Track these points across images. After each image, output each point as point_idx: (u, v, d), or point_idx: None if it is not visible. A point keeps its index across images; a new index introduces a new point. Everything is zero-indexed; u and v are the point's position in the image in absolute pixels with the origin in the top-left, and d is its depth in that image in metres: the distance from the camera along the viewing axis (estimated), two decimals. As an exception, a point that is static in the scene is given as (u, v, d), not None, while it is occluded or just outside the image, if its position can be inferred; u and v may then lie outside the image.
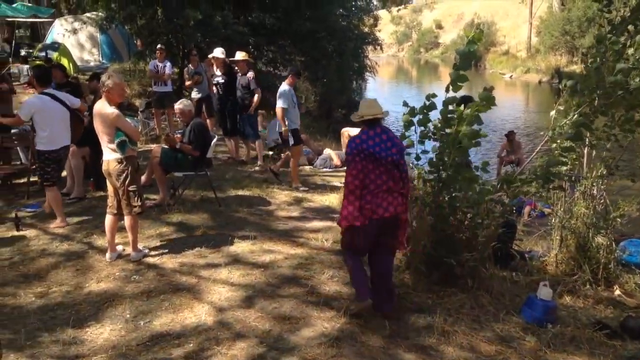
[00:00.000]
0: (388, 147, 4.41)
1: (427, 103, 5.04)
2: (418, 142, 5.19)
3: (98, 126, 5.30)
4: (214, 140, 7.40)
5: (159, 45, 11.56)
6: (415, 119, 5.12)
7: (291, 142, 8.33)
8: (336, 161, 10.21)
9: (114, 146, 5.26)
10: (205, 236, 6.18)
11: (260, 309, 4.52)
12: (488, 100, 4.83)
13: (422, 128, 5.12)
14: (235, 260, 5.48)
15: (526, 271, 5.38)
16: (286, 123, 8.20)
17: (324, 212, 7.09)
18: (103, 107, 5.26)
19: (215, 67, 9.65)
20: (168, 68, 11.27)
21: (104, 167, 5.42)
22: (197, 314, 4.46)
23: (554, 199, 5.76)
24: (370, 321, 4.34)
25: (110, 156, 5.33)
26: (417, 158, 5.47)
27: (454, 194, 5.06)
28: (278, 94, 8.23)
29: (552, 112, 5.28)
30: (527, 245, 6.20)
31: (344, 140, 11.17)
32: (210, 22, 14.10)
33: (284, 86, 8.22)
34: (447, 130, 5.02)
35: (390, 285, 4.59)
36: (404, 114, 5.20)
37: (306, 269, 5.29)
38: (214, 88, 9.74)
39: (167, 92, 11.45)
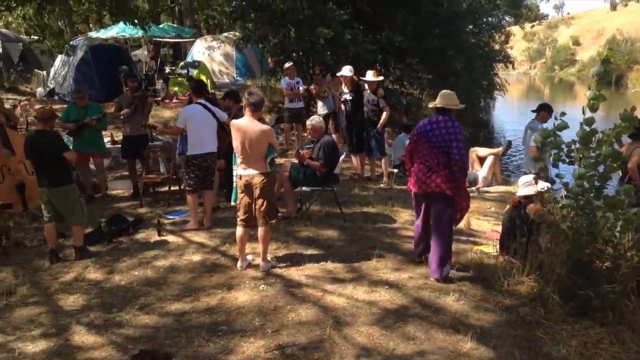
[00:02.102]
0: (442, 134, 5.23)
1: (557, 122, 4.84)
2: (552, 166, 4.99)
3: (249, 142, 5.49)
4: (342, 156, 7.52)
5: (289, 64, 11.91)
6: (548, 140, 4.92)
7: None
8: (463, 181, 9.96)
9: (262, 162, 5.52)
10: (330, 251, 6.28)
11: (385, 327, 4.51)
12: (630, 120, 4.55)
13: (555, 151, 4.92)
14: (360, 277, 5.52)
15: (675, 308, 4.92)
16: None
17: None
18: (254, 123, 5.55)
19: (343, 85, 9.84)
20: (300, 85, 11.69)
21: (245, 181, 5.62)
22: (322, 327, 4.53)
23: None
24: (499, 348, 4.18)
25: (255, 170, 5.58)
26: (552, 182, 5.26)
27: (593, 221, 4.77)
28: (532, 131, 7.57)
29: None
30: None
31: (472, 160, 10.90)
32: (340, 40, 14.39)
33: (536, 123, 7.68)
34: (586, 153, 4.78)
35: (441, 254, 5.33)
36: (535, 136, 5.02)
37: (431, 289, 5.19)
38: (342, 105, 9.92)
39: (301, 109, 11.84)
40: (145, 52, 23.23)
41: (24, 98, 15.66)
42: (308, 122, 7.62)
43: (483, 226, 7.44)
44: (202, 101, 7.18)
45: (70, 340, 4.45)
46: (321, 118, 7.98)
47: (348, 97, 9.59)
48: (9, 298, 5.27)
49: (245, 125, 5.55)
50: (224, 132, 7.49)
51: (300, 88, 11.64)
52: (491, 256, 6.01)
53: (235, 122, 5.69)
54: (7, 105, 11.54)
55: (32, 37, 18.31)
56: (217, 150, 7.28)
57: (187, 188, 7.14)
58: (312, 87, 11.39)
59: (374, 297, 5.07)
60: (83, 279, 5.74)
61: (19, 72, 18.80)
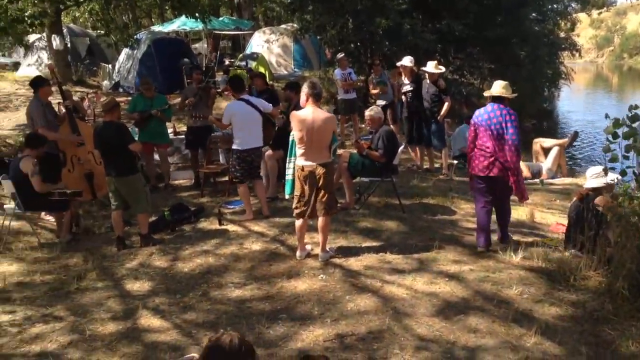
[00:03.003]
0: (499, 122, 5.67)
1: (630, 114, 4.61)
2: (622, 157, 4.79)
3: (317, 131, 5.48)
4: (401, 147, 7.45)
5: (341, 55, 11.98)
6: (620, 131, 4.71)
7: None
8: (526, 173, 9.69)
9: (327, 151, 5.56)
10: (389, 241, 6.24)
11: (445, 319, 4.45)
12: None
13: (628, 141, 4.71)
14: (420, 268, 5.46)
15: None
16: None
17: (512, 225, 6.73)
18: (320, 111, 5.58)
19: (403, 76, 9.72)
20: (353, 75, 11.69)
21: (307, 171, 5.56)
22: (381, 318, 4.51)
23: None
24: (565, 344, 4.06)
25: (320, 160, 5.57)
26: (623, 173, 5.07)
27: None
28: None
29: None
30: None
31: (536, 151, 10.61)
32: (398, 30, 14.22)
33: None
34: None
35: (504, 224, 6.07)
36: (607, 126, 4.81)
37: (493, 282, 5.09)
38: (402, 96, 9.81)
39: (354, 99, 11.85)
40: (205, 45, 23.65)
41: (91, 91, 16.22)
42: (367, 113, 7.57)
43: (547, 219, 7.23)
44: (245, 96, 7.22)
45: (137, 323, 4.61)
46: (380, 109, 7.93)
47: (408, 87, 9.47)
48: (80, 282, 5.49)
49: (312, 115, 5.51)
50: (269, 122, 7.58)
51: (354, 77, 11.64)
52: (556, 250, 5.84)
53: (297, 114, 5.63)
54: (75, 98, 11.99)
55: (98, 31, 18.92)
56: (264, 140, 7.38)
57: (235, 180, 7.26)
58: (370, 78, 11.33)
59: (434, 288, 5.01)
60: (148, 265, 5.92)
61: (86, 66, 19.49)
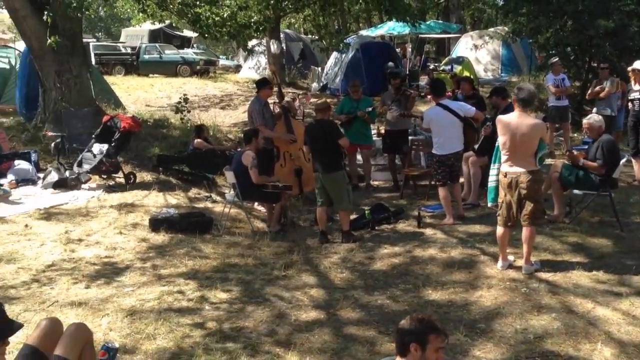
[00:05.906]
0: None
1: None
2: None
3: (520, 137, 5.26)
4: (623, 159, 6.78)
5: (554, 59, 11.38)
6: None
7: None
8: None
9: (531, 158, 5.30)
10: (603, 261, 5.70)
11: (670, 353, 3.96)
12: None
13: None
14: (640, 293, 4.92)
15: None
16: None
17: None
18: (525, 117, 5.34)
19: (633, 81, 8.80)
20: (567, 81, 10.97)
21: (510, 179, 5.36)
22: (592, 341, 4.15)
23: None
24: None
25: (523, 168, 5.33)
26: None
27: None
28: None
29: None
30: None
31: None
32: (624, 32, 12.99)
33: None
34: None
35: None
36: None
37: None
38: (629, 104, 8.91)
39: (566, 107, 11.11)
40: (410, 49, 23.85)
41: (301, 92, 17.25)
42: (585, 121, 7.00)
43: None
44: (443, 101, 7.26)
45: (337, 315, 4.79)
46: (600, 117, 7.27)
47: (637, 95, 8.55)
48: (286, 270, 5.86)
49: (516, 120, 5.31)
50: (471, 127, 7.45)
51: (567, 84, 10.90)
52: None
53: (502, 118, 5.51)
54: (287, 98, 12.83)
55: (312, 35, 20.04)
56: (466, 145, 7.40)
57: (437, 183, 7.31)
58: (598, 88, 10.44)
59: (656, 316, 4.48)
60: (348, 260, 6.12)
61: (298, 69, 20.78)
